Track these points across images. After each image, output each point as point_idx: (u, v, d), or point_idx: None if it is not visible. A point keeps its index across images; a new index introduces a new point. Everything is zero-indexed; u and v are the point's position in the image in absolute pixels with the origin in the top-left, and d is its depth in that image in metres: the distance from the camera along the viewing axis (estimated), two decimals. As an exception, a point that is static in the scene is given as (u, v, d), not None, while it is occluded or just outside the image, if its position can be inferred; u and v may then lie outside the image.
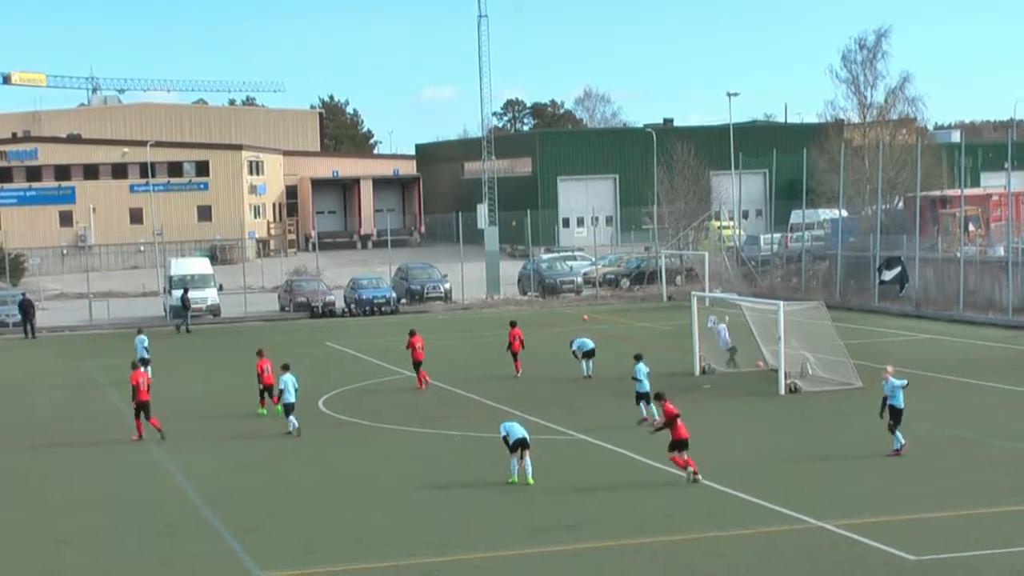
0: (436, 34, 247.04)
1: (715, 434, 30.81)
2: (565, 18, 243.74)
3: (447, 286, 68.89)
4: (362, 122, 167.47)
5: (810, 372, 36.65)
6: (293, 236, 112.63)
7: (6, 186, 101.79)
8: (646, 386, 31.87)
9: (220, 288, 65.81)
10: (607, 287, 71.31)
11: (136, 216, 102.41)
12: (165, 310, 65.09)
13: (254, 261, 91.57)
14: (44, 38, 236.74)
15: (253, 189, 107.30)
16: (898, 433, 27.14)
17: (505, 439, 25.66)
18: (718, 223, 79.88)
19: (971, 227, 60.59)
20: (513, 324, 42.00)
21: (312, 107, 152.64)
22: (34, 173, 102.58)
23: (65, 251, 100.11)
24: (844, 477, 25.58)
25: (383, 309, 64.59)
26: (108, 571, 20.96)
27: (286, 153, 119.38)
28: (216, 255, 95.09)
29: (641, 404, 31.97)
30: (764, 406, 34.49)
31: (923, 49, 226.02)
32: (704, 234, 77.11)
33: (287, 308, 66.53)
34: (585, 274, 72.64)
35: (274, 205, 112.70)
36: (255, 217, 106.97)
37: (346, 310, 65.48)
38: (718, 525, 22.15)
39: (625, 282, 72.09)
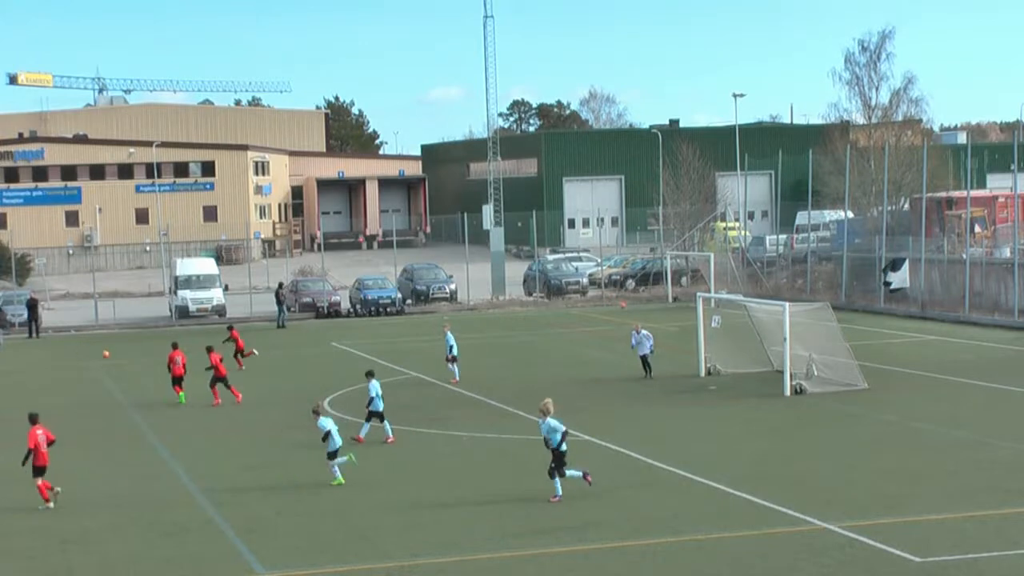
0: (442, 35, 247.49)
1: (720, 435, 30.85)
2: (571, 19, 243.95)
3: (453, 287, 68.88)
4: (368, 122, 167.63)
5: (815, 373, 36.63)
6: (299, 236, 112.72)
7: (12, 186, 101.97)
8: (380, 405, 30.62)
9: (226, 288, 65.87)
10: (612, 288, 71.27)
11: (142, 216, 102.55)
12: (170, 310, 65.14)
13: (259, 261, 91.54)
14: (50, 38, 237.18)
15: (259, 189, 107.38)
16: (558, 481, 24.13)
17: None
18: (724, 224, 79.89)
19: (977, 228, 60.52)
20: (210, 349, 38.10)
21: (318, 107, 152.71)
22: (40, 173, 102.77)
23: (71, 251, 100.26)
24: (849, 479, 25.57)
25: (389, 310, 64.59)
26: (113, 570, 20.99)
27: (292, 153, 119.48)
28: (222, 255, 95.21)
29: (377, 422, 30.77)
30: (769, 407, 34.48)
31: (929, 50, 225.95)
32: (710, 235, 77.13)
33: (292, 308, 66.52)
34: (590, 275, 72.60)
35: (280, 205, 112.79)
36: (261, 217, 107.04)
37: (351, 310, 65.50)
38: (722, 526, 22.14)
39: (630, 283, 72.02)
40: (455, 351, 40.14)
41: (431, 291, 68.35)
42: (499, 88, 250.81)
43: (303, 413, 33.78)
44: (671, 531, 21.99)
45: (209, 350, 37.71)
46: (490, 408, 35.52)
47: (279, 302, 61.10)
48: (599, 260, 76.41)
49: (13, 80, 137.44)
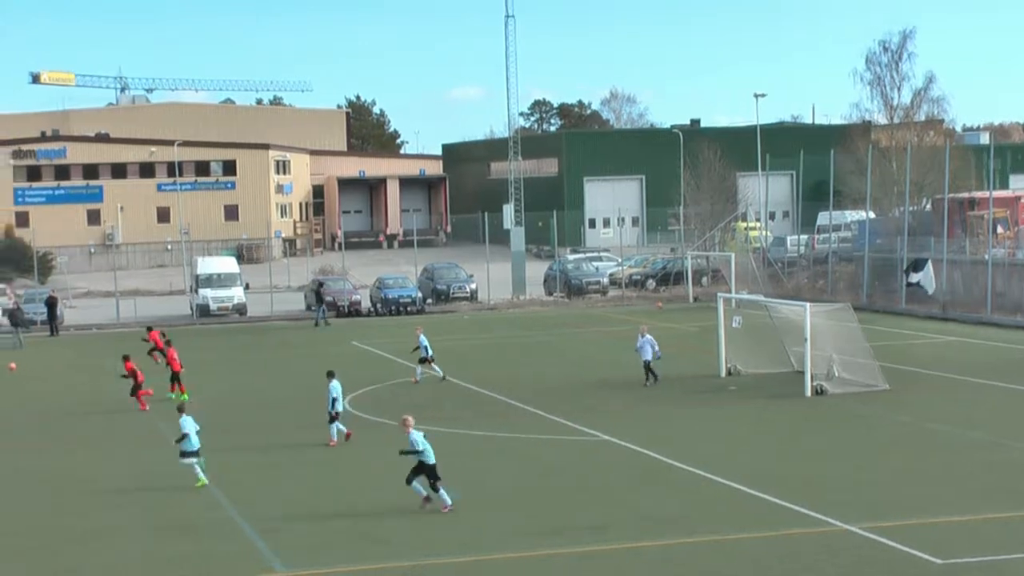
0: (463, 34, 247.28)
1: (740, 435, 30.72)
2: (592, 19, 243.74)
3: (473, 286, 68.83)
4: (388, 122, 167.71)
5: (836, 374, 36.45)
6: (319, 235, 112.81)
7: (35, 185, 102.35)
8: (339, 406, 30.48)
9: (246, 287, 65.97)
10: (633, 288, 71.15)
11: (163, 215, 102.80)
12: (191, 308, 65.29)
13: (280, 260, 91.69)
14: (73, 38, 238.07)
15: (280, 188, 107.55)
16: (442, 491, 23.77)
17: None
18: (744, 224, 79.60)
19: (999, 229, 60.19)
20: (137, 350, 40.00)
21: (339, 107, 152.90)
22: (63, 172, 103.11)
23: (93, 250, 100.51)
24: (869, 479, 25.41)
25: (409, 309, 64.58)
26: (128, 568, 20.96)
27: (313, 153, 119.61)
28: (242, 254, 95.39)
29: (333, 426, 30.57)
30: (790, 408, 34.33)
31: (952, 50, 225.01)
32: (730, 235, 76.86)
33: (313, 307, 66.55)
34: (611, 275, 72.49)
35: (300, 204, 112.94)
36: (281, 216, 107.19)
37: (372, 310, 65.52)
38: (741, 527, 22.02)
39: (651, 283, 71.89)
40: (430, 352, 40.39)
41: (451, 290, 68.31)
42: (520, 88, 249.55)
43: (317, 413, 33.79)
44: (687, 532, 21.87)
45: (125, 359, 37.55)
46: (507, 407, 35.42)
47: (320, 300, 61.06)
48: (619, 260, 76.26)
49: (36, 79, 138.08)
